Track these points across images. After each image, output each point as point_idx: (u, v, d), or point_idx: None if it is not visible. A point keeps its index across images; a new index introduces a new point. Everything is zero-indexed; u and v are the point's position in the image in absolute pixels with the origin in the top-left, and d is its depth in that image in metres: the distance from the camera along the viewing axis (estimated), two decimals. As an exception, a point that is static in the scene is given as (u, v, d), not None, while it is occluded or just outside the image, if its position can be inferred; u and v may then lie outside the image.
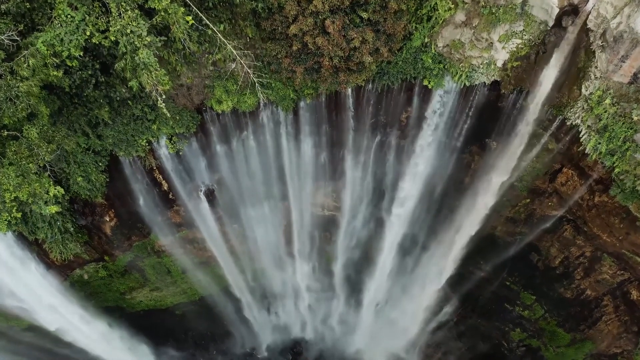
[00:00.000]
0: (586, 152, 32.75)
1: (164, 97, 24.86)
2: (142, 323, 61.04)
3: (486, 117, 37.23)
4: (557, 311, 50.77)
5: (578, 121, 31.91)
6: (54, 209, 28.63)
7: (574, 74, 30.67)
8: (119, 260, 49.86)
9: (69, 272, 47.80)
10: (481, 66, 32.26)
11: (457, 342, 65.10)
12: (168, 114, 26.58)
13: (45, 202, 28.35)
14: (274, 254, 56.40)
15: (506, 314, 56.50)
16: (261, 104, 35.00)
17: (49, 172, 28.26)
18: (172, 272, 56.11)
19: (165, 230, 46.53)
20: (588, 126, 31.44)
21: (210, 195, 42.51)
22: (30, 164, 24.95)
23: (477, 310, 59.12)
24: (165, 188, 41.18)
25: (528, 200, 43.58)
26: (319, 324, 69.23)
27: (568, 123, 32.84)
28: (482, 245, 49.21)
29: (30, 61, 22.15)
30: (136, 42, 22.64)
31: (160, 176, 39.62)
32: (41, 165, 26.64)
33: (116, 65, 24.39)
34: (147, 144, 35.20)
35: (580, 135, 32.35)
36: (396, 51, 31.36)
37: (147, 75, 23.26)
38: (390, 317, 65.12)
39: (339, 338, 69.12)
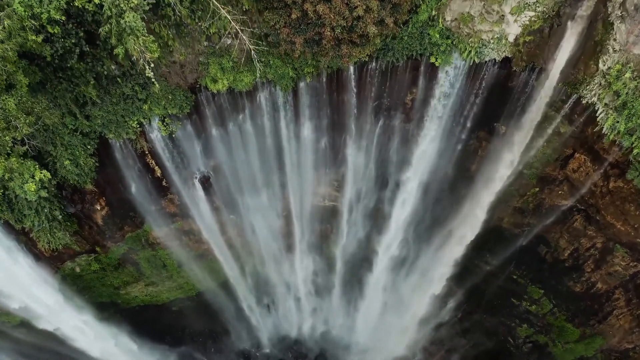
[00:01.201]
0: (603, 132, 30.91)
1: (152, 65, 22.99)
2: (137, 319, 59.13)
3: (495, 99, 35.45)
4: (566, 305, 49.13)
5: (594, 99, 30.13)
6: (32, 187, 26.71)
7: (590, 47, 28.91)
8: (111, 252, 48.03)
9: (59, 265, 45.95)
10: (491, 41, 30.47)
11: (461, 339, 63.41)
12: (157, 85, 24.81)
13: (24, 180, 26.38)
14: (273, 247, 54.62)
15: (513, 309, 54.81)
16: (258, 84, 33.11)
17: (27, 147, 26.31)
18: (167, 266, 54.35)
19: (159, 220, 44.67)
20: (605, 104, 29.67)
21: (205, 183, 40.66)
22: (7, 137, 23.05)
23: (482, 306, 57.38)
24: (159, 174, 39.30)
25: (537, 189, 41.83)
26: (320, 320, 67.38)
27: (583, 102, 31.08)
28: (488, 238, 47.52)
29: (5, 22, 20.34)
30: (122, 5, 20.84)
31: (153, 161, 37.75)
32: (18, 138, 24.75)
33: (100, 29, 22.54)
34: (138, 126, 33.38)
35: (597, 114, 30.61)
36: (402, 24, 29.57)
37: (134, 41, 21.46)
38: (392, 312, 63.22)
39: (341, 334, 67.29)
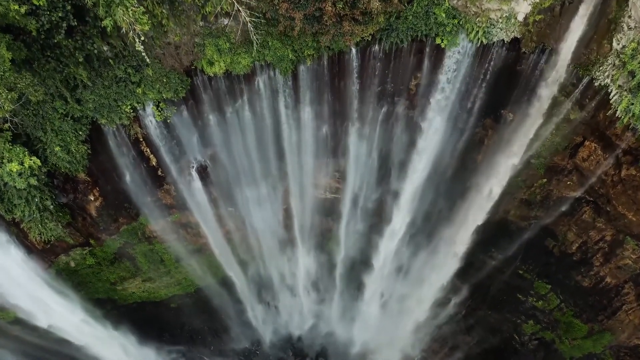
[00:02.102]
0: (616, 116, 29.51)
1: (142, 38, 21.67)
2: (135, 316, 57.88)
3: (503, 84, 34.15)
4: (574, 301, 47.87)
5: (607, 80, 28.80)
6: (14, 166, 25.38)
7: (604, 26, 27.57)
8: (107, 246, 46.78)
9: (53, 259, 44.64)
10: (500, 21, 29.13)
11: (465, 336, 62.11)
12: (147, 59, 23.68)
13: (2, 160, 25.05)
14: (273, 242, 53.36)
15: (518, 305, 53.53)
16: (257, 67, 31.80)
17: (9, 125, 24.98)
18: (165, 261, 53.11)
19: (155, 212, 43.38)
20: (619, 86, 28.32)
21: (202, 173, 39.35)
22: (-13, 114, 21.84)
23: (487, 302, 56.10)
24: (154, 163, 38.00)
25: (545, 180, 40.55)
26: (321, 317, 66.02)
27: (595, 84, 29.73)
28: (493, 232, 46.30)
29: (-16, -10, 19.07)
30: (110, -28, 19.52)
31: (148, 149, 36.45)
32: (0, 116, 23.46)
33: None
34: (131, 111, 32.09)
35: (610, 97, 29.20)
36: (406, 2, 28.24)
37: (123, 11, 20.16)
38: (395, 309, 61.96)
39: (342, 331, 65.97)
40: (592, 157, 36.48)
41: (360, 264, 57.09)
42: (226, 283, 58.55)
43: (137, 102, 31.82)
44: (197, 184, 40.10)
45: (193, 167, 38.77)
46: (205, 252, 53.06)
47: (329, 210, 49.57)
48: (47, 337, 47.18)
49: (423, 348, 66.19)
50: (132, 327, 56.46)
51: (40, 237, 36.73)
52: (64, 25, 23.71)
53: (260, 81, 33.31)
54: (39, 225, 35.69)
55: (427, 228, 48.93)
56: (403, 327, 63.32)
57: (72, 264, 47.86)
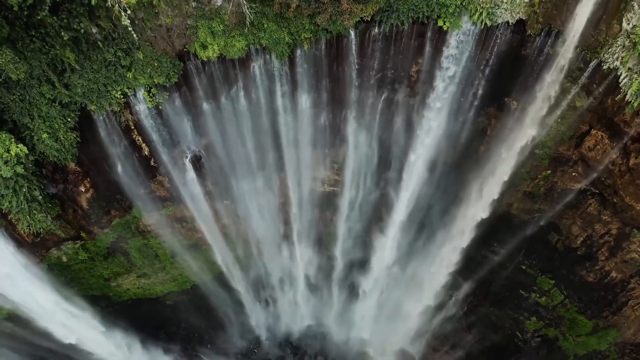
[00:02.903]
0: (626, 100, 28.43)
1: (128, 12, 20.49)
2: (130, 314, 56.70)
3: (507, 70, 33.10)
4: (578, 296, 46.78)
5: (617, 63, 27.69)
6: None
7: (613, 5, 26.50)
8: (99, 240, 45.59)
9: (44, 253, 43.44)
10: (505, 1, 27.90)
11: (466, 334, 61.00)
12: (135, 36, 22.41)
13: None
14: (271, 236, 52.13)
15: (521, 301, 52.37)
16: (252, 51, 30.62)
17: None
18: (160, 256, 51.98)
19: (149, 205, 42.19)
20: (629, 68, 27.25)
21: (197, 163, 38.17)
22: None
23: (489, 298, 54.99)
24: (146, 153, 36.81)
25: (549, 171, 39.45)
26: (320, 314, 64.84)
27: (604, 67, 28.60)
28: (496, 225, 45.06)
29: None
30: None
31: (140, 138, 35.25)
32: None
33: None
34: (122, 97, 30.90)
35: (620, 80, 28.05)
36: (407, -19, 27.04)
37: (108, -18, 18.95)
38: (394, 306, 60.79)
39: (341, 329, 64.79)
40: (598, 147, 35.40)
41: (360, 260, 55.98)
42: (223, 280, 57.38)
43: (128, 88, 30.64)
44: (191, 174, 38.91)
45: (187, 157, 37.58)
46: (201, 247, 51.92)
47: (327, 204, 48.37)
48: (40, 333, 45.61)
49: (423, 346, 65.00)
50: (127, 324, 55.12)
51: (29, 229, 35.51)
52: (48, 0, 22.51)
53: (256, 66, 32.14)
54: (28, 216, 34.50)
55: (428, 222, 47.71)
56: (403, 324, 62.16)
57: (64, 259, 46.67)
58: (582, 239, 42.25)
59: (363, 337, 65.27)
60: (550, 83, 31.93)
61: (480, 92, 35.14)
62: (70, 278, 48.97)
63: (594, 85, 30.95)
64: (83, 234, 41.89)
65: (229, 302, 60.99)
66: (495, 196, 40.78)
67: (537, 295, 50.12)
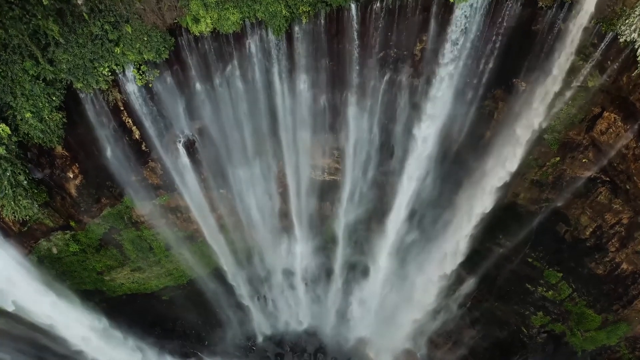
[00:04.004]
0: (643, 75, 26.68)
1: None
2: (125, 309, 55.14)
3: (516, 48, 31.75)
4: (587, 290, 45.50)
5: (634, 35, 26.19)
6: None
7: (632, -28, 24.75)
8: (91, 231, 44.01)
9: (33, 243, 41.82)
10: (515, -31, 26.28)
11: (470, 330, 59.41)
12: (123, 8, 20.52)
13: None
14: (269, 228, 50.50)
15: (527, 295, 50.99)
16: (247, 26, 28.94)
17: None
18: (154, 249, 50.41)
19: (141, 193, 40.61)
20: (648, 40, 25.47)
21: (190, 148, 36.47)
22: None
23: (494, 293, 53.45)
24: (137, 136, 35.17)
25: (558, 158, 38.04)
26: (320, 310, 63.27)
27: (620, 40, 26.95)
28: (501, 217, 43.52)
29: None
30: None
31: (130, 120, 33.59)
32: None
33: None
34: (109, 74, 29.27)
35: (637, 54, 26.34)
36: (412, -53, 25.40)
37: None
38: (395, 302, 59.20)
39: (341, 325, 63.21)
40: (611, 130, 33.93)
41: (361, 253, 54.32)
42: (220, 274, 56.01)
43: (116, 65, 29.02)
44: (185, 160, 37.25)
45: (180, 141, 35.91)
46: (196, 239, 50.36)
47: (327, 194, 46.72)
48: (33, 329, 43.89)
49: (425, 342, 63.47)
50: (121, 320, 53.52)
51: (15, 216, 33.88)
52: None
53: (252, 43, 30.54)
54: (12, 202, 32.86)
55: (431, 212, 46.07)
56: (405, 320, 60.57)
57: (55, 250, 45.09)
58: (591, 229, 40.95)
59: (363, 333, 63.58)
60: (561, 61, 30.23)
61: (487, 72, 33.46)
62: (61, 271, 47.43)
63: (609, 62, 29.50)
64: (72, 223, 40.24)
65: (226, 297, 59.48)
66: (501, 185, 38.99)
67: (544, 289, 48.78)
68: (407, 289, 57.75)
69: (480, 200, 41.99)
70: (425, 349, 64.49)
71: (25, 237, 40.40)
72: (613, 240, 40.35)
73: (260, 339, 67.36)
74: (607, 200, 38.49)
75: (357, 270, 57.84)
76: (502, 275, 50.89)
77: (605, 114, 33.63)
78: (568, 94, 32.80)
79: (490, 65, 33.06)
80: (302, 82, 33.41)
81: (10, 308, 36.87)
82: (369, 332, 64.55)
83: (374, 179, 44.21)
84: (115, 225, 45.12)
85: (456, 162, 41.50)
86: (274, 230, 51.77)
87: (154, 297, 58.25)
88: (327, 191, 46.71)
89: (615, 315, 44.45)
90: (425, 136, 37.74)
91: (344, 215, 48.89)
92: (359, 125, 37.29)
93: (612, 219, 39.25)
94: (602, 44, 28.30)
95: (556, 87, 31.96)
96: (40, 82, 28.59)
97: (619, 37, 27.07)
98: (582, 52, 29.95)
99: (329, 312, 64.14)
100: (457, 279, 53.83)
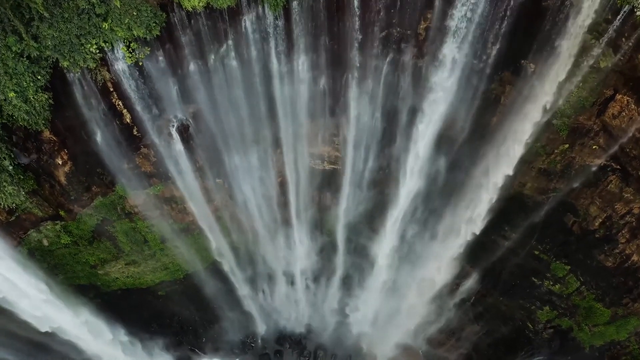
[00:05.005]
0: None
1: None
2: (120, 305, 53.90)
3: (524, 27, 30.32)
4: (596, 283, 44.64)
5: (653, 8, 24.47)
6: None
7: (651, -62, 23.26)
8: (82, 222, 42.72)
9: (22, 234, 40.49)
10: (526, -63, 24.81)
11: (473, 325, 58.13)
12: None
13: None
14: (267, 220, 49.17)
15: (533, 289, 50.05)
16: (243, 1, 27.41)
17: None
18: (149, 241, 49.29)
19: (134, 181, 39.29)
20: (668, 13, 24.02)
21: (184, 134, 34.98)
22: None
23: (498, 287, 52.41)
24: (128, 120, 33.73)
25: (567, 145, 36.98)
26: (319, 306, 62.52)
27: (637, 14, 25.49)
28: (507, 207, 42.25)
29: None
30: None
31: (120, 103, 32.16)
32: None
33: None
34: (97, 51, 27.74)
35: (655, 28, 24.86)
36: None
37: None
38: (397, 297, 57.93)
39: (341, 321, 61.94)
40: (624, 113, 32.78)
41: (363, 246, 52.98)
42: (217, 269, 55.02)
43: (105, 42, 27.65)
44: (179, 146, 35.87)
45: (173, 126, 34.51)
46: (193, 232, 49.12)
47: (327, 184, 45.34)
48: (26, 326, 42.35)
49: (427, 339, 62.22)
50: (116, 316, 52.19)
51: (0, 204, 32.27)
52: None
53: (247, 20, 29.19)
54: (-4, 188, 31.38)
55: (435, 203, 44.68)
56: (407, 316, 59.32)
57: (45, 242, 43.81)
58: (600, 220, 39.96)
59: (365, 329, 62.32)
60: (572, 40, 28.83)
61: (494, 53, 32.03)
62: (53, 265, 46.18)
63: (623, 39, 28.24)
64: (62, 213, 38.88)
65: (224, 292, 58.48)
66: (508, 173, 37.61)
67: (551, 283, 47.83)
68: (409, 284, 56.49)
69: (485, 189, 40.67)
70: (427, 345, 63.26)
71: (13, 228, 39.13)
72: (623, 231, 39.26)
73: (258, 335, 66.02)
74: (617, 189, 37.37)
75: (359, 264, 56.37)
76: (507, 269, 49.91)
77: (618, 96, 32.40)
78: (578, 76, 31.44)
79: (498, 43, 31.61)
80: (301, 63, 32.14)
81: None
82: (371, 328, 63.28)
83: (376, 167, 42.76)
84: (108, 217, 43.86)
85: (461, 149, 40.07)
86: (272, 221, 50.46)
87: (150, 293, 57.17)
88: (327, 180, 45.50)
89: (625, 309, 43.51)
90: (429, 121, 36.27)
91: (345, 205, 47.59)
92: (360, 110, 35.93)
93: (623, 209, 38.15)
94: (617, 20, 26.91)
95: (567, 68, 30.48)
96: (24, 59, 27.21)
97: (635, 10, 25.61)
98: (595, 30, 28.57)
99: (330, 306, 62.92)
100: (461, 272, 52.54)
